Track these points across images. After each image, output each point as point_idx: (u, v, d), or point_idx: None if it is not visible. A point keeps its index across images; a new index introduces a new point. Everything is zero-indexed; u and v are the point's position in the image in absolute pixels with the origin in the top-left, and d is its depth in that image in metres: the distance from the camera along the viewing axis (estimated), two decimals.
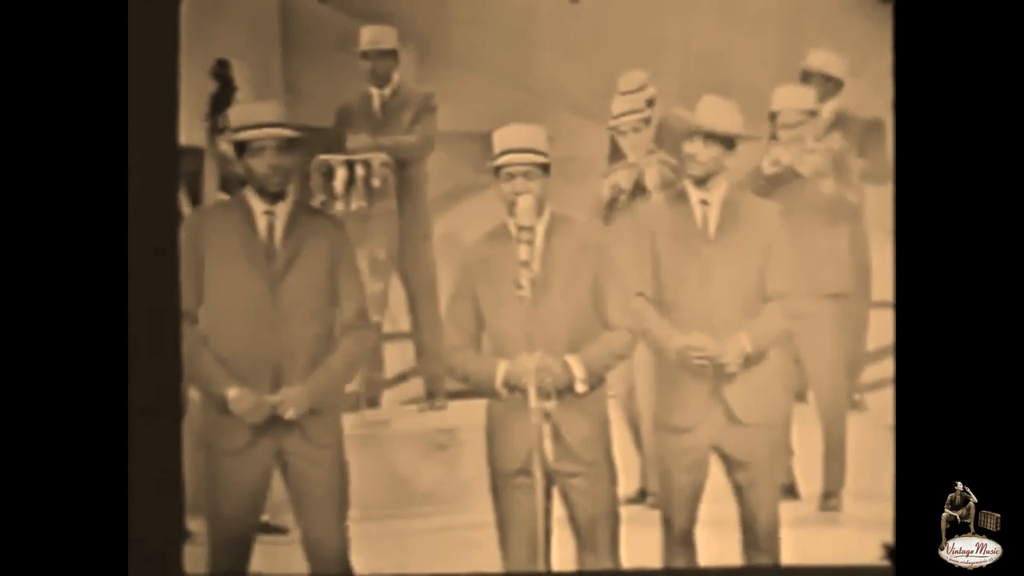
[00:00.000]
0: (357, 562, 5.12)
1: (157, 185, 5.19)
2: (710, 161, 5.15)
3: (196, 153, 5.49)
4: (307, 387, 5.03)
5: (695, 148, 5.15)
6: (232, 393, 5.01)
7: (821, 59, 5.87)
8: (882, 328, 5.54)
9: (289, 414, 5.01)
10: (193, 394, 5.33)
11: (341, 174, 5.82)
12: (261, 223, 5.10)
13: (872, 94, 5.64)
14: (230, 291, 5.08)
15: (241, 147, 5.08)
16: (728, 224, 5.17)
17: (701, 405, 5.13)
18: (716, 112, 5.15)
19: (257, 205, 5.11)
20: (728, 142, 5.15)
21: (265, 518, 5.15)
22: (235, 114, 5.19)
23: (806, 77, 5.85)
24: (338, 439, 5.12)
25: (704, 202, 5.18)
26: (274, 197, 5.10)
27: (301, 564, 5.09)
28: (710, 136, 5.14)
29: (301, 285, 5.08)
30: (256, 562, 5.08)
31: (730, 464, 5.17)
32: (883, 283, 5.34)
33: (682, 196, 5.23)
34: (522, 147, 5.02)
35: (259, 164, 5.06)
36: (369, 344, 5.30)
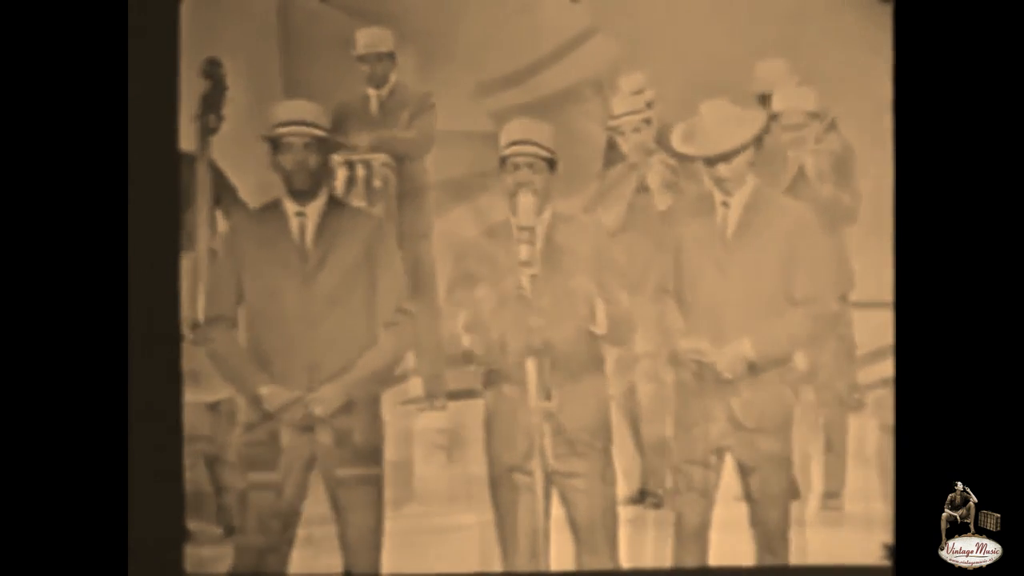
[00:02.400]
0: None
1: (157, 185, 5.20)
2: (739, 167, 5.12)
3: (187, 158, 5.48)
4: (340, 384, 5.07)
5: (726, 171, 5.12)
6: (265, 391, 5.06)
7: (764, 73, 5.79)
8: (882, 328, 5.53)
9: (319, 411, 5.06)
10: (191, 395, 5.33)
11: (341, 174, 5.82)
12: (293, 224, 5.16)
13: (829, 97, 5.62)
14: (266, 293, 5.12)
15: (275, 145, 5.16)
16: (749, 226, 5.14)
17: (708, 408, 5.13)
18: (729, 127, 5.12)
19: (289, 207, 5.15)
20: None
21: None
22: (275, 111, 5.24)
23: (762, 100, 5.79)
24: (377, 436, 5.16)
25: (724, 204, 5.16)
26: (304, 197, 5.15)
27: (335, 564, 5.12)
28: (731, 154, 5.12)
29: (334, 283, 5.12)
30: (294, 564, 5.12)
31: (740, 467, 5.18)
32: (882, 283, 5.33)
33: (706, 197, 5.21)
34: (528, 139, 5.05)
35: (287, 161, 5.13)
36: (409, 339, 5.31)
